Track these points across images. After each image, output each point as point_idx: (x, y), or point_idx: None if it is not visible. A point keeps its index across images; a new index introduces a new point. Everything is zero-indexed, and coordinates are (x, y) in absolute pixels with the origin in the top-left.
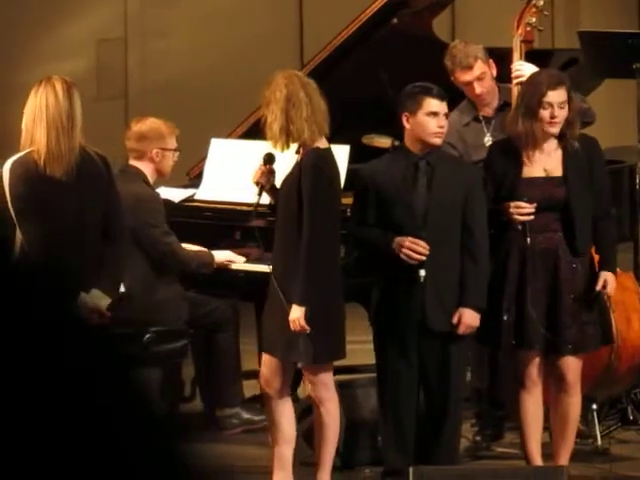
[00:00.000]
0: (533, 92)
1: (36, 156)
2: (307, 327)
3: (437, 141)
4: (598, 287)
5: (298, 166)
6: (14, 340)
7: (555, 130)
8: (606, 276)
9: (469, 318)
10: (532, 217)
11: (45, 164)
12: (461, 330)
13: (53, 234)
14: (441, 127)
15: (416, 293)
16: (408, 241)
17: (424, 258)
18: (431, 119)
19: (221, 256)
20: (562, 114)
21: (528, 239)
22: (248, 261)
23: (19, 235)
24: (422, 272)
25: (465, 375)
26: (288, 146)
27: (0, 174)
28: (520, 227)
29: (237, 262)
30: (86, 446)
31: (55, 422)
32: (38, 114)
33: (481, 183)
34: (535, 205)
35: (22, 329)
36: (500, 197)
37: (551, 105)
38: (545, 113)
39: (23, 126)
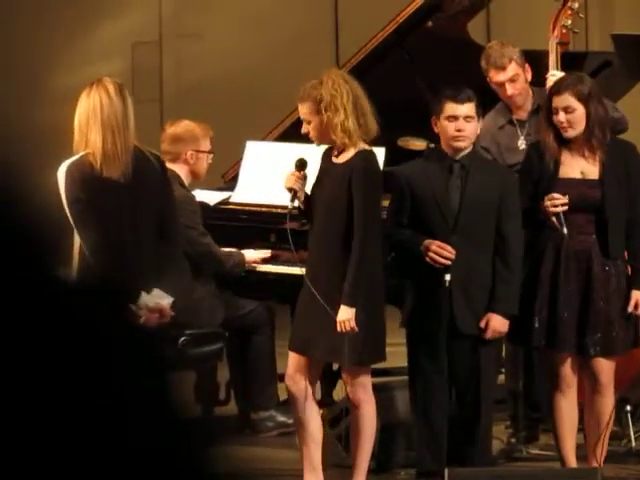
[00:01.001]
0: (547, 99)
1: (92, 158)
2: (356, 328)
3: (458, 144)
4: (630, 309)
5: (346, 167)
6: (62, 344)
7: (567, 134)
8: (638, 295)
9: (497, 324)
10: (566, 207)
11: (102, 166)
12: (488, 335)
13: (112, 236)
14: (459, 130)
15: (444, 296)
16: (435, 245)
17: (449, 263)
18: (450, 123)
19: (250, 256)
20: (570, 118)
21: (565, 229)
22: (278, 263)
23: (76, 239)
24: (447, 277)
25: (496, 376)
26: (358, 144)
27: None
28: (555, 219)
29: (265, 256)
30: (113, 446)
31: (82, 423)
32: (92, 115)
33: (516, 188)
34: (568, 197)
35: (72, 333)
36: (537, 196)
37: (557, 110)
38: (554, 118)
39: (76, 128)
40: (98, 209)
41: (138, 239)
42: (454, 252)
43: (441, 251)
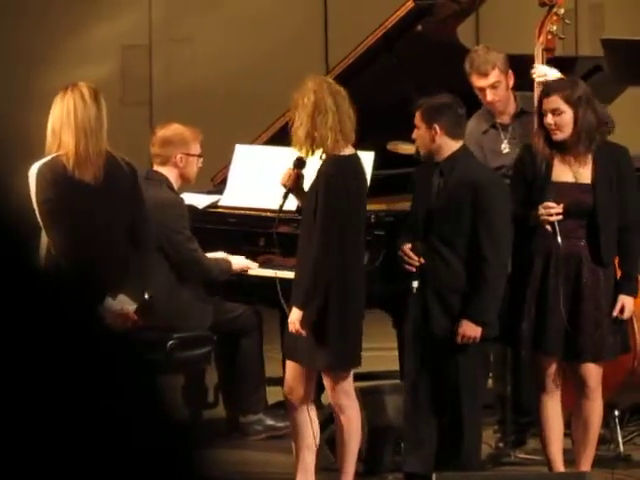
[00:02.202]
0: (538, 101)
1: (65, 160)
2: (302, 331)
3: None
4: (615, 312)
5: (316, 173)
6: (38, 342)
7: (555, 137)
8: (624, 300)
9: (467, 329)
10: (560, 217)
11: (74, 168)
12: (458, 340)
13: (81, 238)
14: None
15: (416, 301)
16: (401, 251)
17: (413, 269)
18: None
19: (238, 262)
20: (558, 121)
21: (559, 238)
22: (267, 267)
23: (44, 239)
24: (415, 283)
25: (484, 381)
26: (312, 152)
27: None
28: (550, 228)
29: (252, 268)
30: (104, 449)
31: (73, 425)
32: (66, 118)
33: (491, 191)
34: (562, 206)
35: (47, 332)
36: (530, 200)
37: (546, 112)
38: (544, 120)
39: (49, 130)
40: (68, 210)
41: (108, 242)
42: (417, 259)
43: (403, 256)
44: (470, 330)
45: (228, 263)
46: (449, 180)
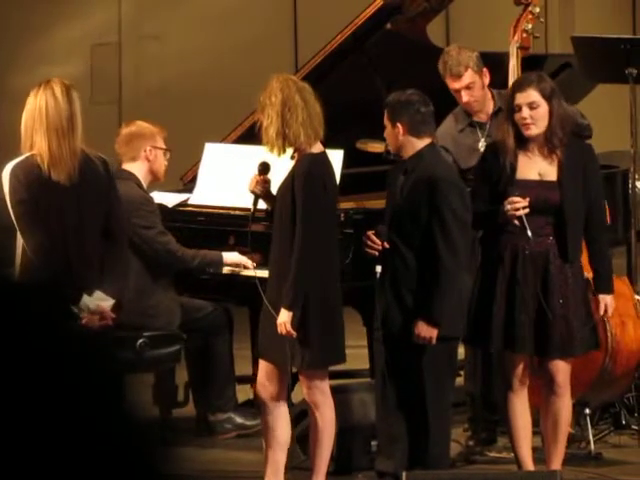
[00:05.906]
0: (508, 98)
1: (39, 160)
2: (293, 332)
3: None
4: (600, 312)
5: (292, 172)
6: (9, 343)
7: (530, 132)
8: (605, 299)
9: (421, 329)
10: (527, 210)
11: (49, 168)
12: (414, 339)
13: (56, 238)
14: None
15: (379, 298)
16: (365, 234)
17: (376, 253)
18: None
19: (231, 258)
20: (534, 115)
21: (529, 231)
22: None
23: (19, 240)
24: (378, 268)
25: (444, 377)
26: (284, 150)
27: None
28: (518, 222)
29: (248, 266)
30: (74, 451)
31: (44, 426)
32: (37, 117)
33: (447, 193)
34: (528, 199)
35: (18, 332)
36: (494, 198)
37: (520, 107)
38: (517, 116)
39: (22, 129)
40: (42, 210)
41: (82, 241)
42: (379, 243)
43: (365, 239)
44: (424, 330)
45: (218, 256)
46: (410, 178)
